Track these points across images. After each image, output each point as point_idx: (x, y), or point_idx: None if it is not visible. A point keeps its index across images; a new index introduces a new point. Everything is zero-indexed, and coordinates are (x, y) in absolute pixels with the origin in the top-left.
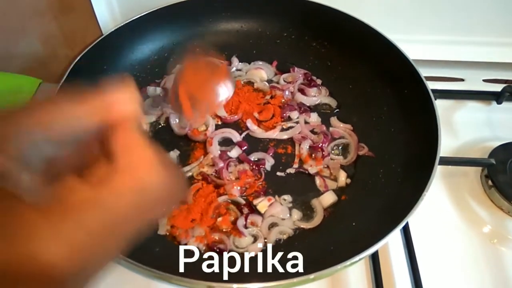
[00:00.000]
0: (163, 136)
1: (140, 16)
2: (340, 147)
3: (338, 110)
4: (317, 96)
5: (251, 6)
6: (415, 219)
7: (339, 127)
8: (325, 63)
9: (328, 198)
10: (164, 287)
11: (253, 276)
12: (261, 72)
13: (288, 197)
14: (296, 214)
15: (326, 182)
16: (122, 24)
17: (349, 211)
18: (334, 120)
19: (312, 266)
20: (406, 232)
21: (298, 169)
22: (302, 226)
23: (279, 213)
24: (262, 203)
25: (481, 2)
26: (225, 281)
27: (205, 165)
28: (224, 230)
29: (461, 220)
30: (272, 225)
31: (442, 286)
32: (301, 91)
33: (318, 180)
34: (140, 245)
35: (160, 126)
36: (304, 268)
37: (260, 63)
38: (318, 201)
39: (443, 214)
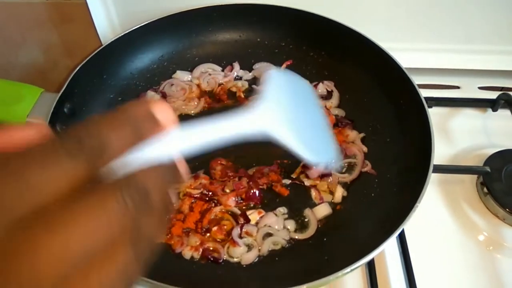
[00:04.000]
0: None
1: (140, 26)
2: (346, 165)
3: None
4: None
5: (250, 16)
6: (411, 226)
7: (353, 146)
8: (322, 73)
9: (323, 210)
10: None
11: (246, 285)
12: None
13: (283, 209)
14: (290, 224)
15: (322, 195)
16: (122, 34)
17: (344, 221)
18: (350, 132)
19: (306, 277)
20: (402, 239)
21: (294, 181)
22: (296, 237)
23: (274, 224)
24: (252, 215)
25: (476, 10)
26: None
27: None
28: (218, 239)
29: (456, 227)
30: (266, 236)
31: None
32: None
33: (313, 193)
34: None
35: None
36: (297, 278)
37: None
38: (312, 212)
39: (438, 221)
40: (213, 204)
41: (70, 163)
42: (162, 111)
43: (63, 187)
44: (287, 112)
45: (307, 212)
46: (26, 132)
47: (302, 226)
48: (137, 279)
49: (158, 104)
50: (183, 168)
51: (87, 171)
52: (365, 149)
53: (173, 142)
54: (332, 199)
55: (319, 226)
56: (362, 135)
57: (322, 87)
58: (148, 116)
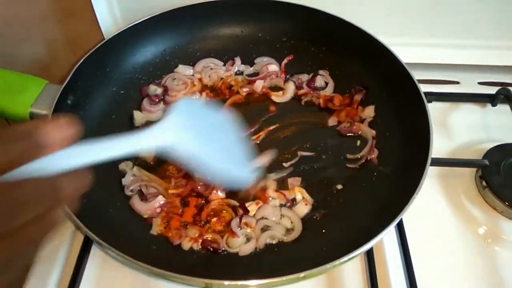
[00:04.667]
0: None
1: (142, 21)
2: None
3: None
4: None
5: (252, 11)
6: (410, 219)
7: (367, 129)
8: (323, 68)
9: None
10: (162, 284)
11: (245, 273)
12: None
13: (276, 201)
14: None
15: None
16: (125, 28)
17: (343, 212)
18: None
19: (303, 265)
20: (400, 231)
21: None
22: (285, 240)
23: (271, 215)
24: (251, 206)
25: (475, 6)
26: (219, 278)
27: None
28: (217, 231)
29: (455, 220)
30: (264, 229)
31: (437, 285)
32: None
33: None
34: (137, 243)
35: None
36: (295, 267)
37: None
38: (293, 212)
39: (438, 214)
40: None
41: None
42: (51, 131)
43: None
44: (192, 133)
45: (286, 212)
46: None
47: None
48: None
49: (47, 124)
50: (69, 185)
51: None
52: (374, 132)
53: (64, 158)
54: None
55: (318, 217)
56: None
57: (321, 80)
58: (31, 137)
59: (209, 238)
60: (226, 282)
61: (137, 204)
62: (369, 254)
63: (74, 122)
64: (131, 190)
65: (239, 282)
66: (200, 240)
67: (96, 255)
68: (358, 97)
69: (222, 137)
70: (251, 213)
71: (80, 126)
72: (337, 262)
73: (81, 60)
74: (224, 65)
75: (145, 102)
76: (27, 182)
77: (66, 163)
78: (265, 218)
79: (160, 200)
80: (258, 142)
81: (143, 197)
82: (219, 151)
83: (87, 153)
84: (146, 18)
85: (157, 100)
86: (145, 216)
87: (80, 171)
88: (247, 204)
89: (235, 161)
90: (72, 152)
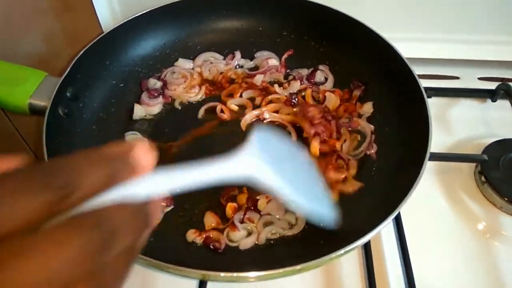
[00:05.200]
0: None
1: (142, 14)
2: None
3: None
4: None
5: (252, 5)
6: (409, 214)
7: (365, 124)
8: (323, 62)
9: None
10: (159, 275)
11: (242, 265)
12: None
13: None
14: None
15: None
16: (125, 21)
17: (341, 206)
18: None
19: (300, 258)
20: (398, 226)
21: None
22: (285, 234)
23: (275, 212)
24: (261, 201)
25: (476, 1)
26: (215, 270)
27: None
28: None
29: (454, 215)
30: (267, 224)
31: (434, 280)
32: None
33: None
34: None
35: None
36: (292, 260)
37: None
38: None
39: (436, 209)
40: None
41: (38, 196)
42: (142, 154)
43: (30, 217)
44: (273, 162)
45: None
46: (7, 163)
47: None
48: None
49: (139, 146)
50: (156, 210)
51: (56, 205)
52: (372, 127)
53: (149, 184)
54: None
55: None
56: (370, 107)
57: (320, 74)
58: (125, 159)
59: (211, 236)
60: (222, 274)
61: None
62: (367, 248)
63: (154, 147)
64: None
65: (235, 274)
66: (204, 236)
67: None
68: (357, 93)
69: (299, 170)
70: (261, 207)
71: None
72: (333, 255)
73: (81, 53)
74: (224, 59)
75: (144, 96)
76: (120, 206)
77: (154, 188)
78: (269, 214)
79: None
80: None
81: None
82: (298, 184)
83: (171, 179)
84: (146, 11)
85: (156, 94)
86: None
87: (160, 198)
88: (258, 197)
89: (315, 195)
90: (158, 177)
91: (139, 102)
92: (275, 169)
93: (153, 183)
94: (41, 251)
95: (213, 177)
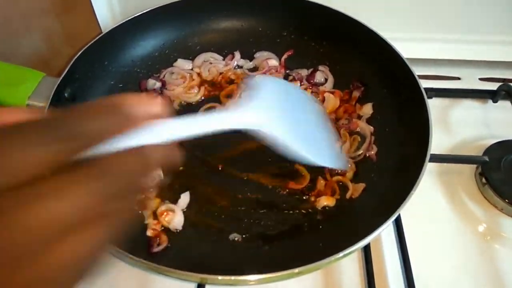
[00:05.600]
0: None
1: (142, 14)
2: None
3: None
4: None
5: (252, 5)
6: (409, 215)
7: (364, 125)
8: (323, 63)
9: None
10: (158, 278)
11: (240, 268)
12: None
13: None
14: None
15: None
16: (124, 21)
17: (341, 208)
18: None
19: (299, 261)
20: (398, 228)
21: None
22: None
23: None
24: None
25: (477, 1)
26: (213, 273)
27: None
28: None
29: (455, 217)
30: None
31: (435, 282)
32: None
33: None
34: (134, 237)
35: None
36: (290, 262)
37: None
38: None
39: (437, 211)
40: None
41: (49, 145)
42: (152, 104)
43: (40, 166)
44: (280, 112)
45: None
46: (20, 115)
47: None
48: (107, 252)
49: (148, 97)
50: (161, 152)
51: (63, 154)
52: (372, 129)
53: (157, 132)
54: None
55: (315, 214)
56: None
57: (320, 75)
58: (133, 108)
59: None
60: (220, 277)
61: None
62: (366, 250)
63: (160, 99)
64: None
65: (233, 277)
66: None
67: None
68: (356, 94)
69: (307, 117)
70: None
71: (166, 105)
72: (332, 258)
73: (79, 53)
74: (224, 59)
75: None
76: (118, 154)
77: (153, 137)
78: None
79: None
80: None
81: None
82: (307, 131)
83: (173, 128)
84: (145, 11)
85: (155, 95)
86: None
87: (169, 146)
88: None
89: (324, 142)
90: (159, 127)
91: None
92: (283, 118)
93: (155, 131)
94: (53, 194)
95: (217, 126)
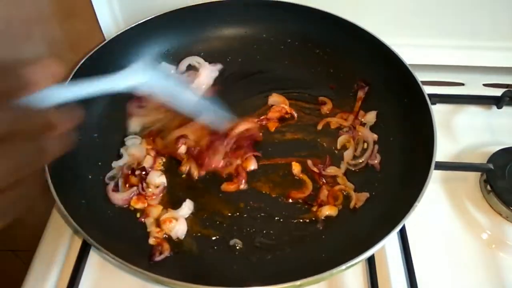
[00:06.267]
0: None
1: (145, 21)
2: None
3: None
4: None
5: (255, 12)
6: (413, 224)
7: (368, 133)
8: (327, 70)
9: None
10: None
11: (241, 280)
12: None
13: None
14: None
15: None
16: (127, 28)
17: (344, 218)
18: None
19: (300, 272)
20: (403, 237)
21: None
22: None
23: None
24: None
25: (481, 7)
26: (215, 285)
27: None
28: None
29: (459, 225)
30: None
31: None
32: None
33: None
34: (137, 247)
35: None
36: (292, 274)
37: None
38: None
39: (441, 219)
40: None
41: None
42: (42, 68)
43: None
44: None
45: None
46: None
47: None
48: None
49: (38, 62)
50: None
51: None
52: (375, 137)
53: (48, 95)
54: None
55: (318, 224)
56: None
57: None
58: (20, 72)
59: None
60: None
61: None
62: (371, 260)
63: (57, 62)
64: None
65: None
66: None
67: (94, 257)
68: (361, 94)
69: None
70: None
71: (62, 67)
72: (335, 270)
73: (83, 60)
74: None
75: (132, 107)
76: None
77: (52, 98)
78: None
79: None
80: None
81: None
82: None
83: (71, 90)
84: (148, 18)
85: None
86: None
87: (70, 106)
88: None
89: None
90: (57, 89)
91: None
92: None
93: (53, 93)
94: None
95: (111, 86)
